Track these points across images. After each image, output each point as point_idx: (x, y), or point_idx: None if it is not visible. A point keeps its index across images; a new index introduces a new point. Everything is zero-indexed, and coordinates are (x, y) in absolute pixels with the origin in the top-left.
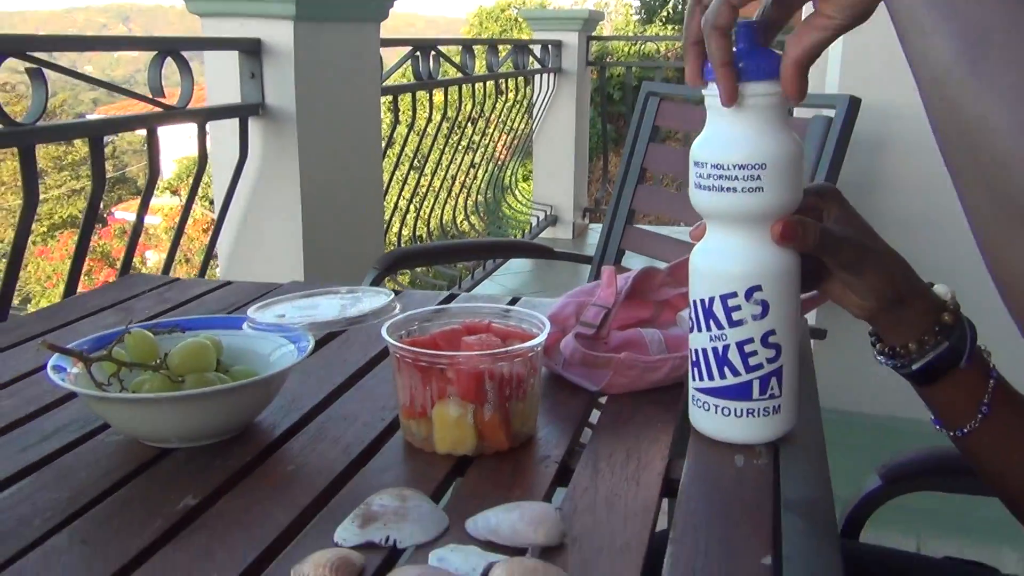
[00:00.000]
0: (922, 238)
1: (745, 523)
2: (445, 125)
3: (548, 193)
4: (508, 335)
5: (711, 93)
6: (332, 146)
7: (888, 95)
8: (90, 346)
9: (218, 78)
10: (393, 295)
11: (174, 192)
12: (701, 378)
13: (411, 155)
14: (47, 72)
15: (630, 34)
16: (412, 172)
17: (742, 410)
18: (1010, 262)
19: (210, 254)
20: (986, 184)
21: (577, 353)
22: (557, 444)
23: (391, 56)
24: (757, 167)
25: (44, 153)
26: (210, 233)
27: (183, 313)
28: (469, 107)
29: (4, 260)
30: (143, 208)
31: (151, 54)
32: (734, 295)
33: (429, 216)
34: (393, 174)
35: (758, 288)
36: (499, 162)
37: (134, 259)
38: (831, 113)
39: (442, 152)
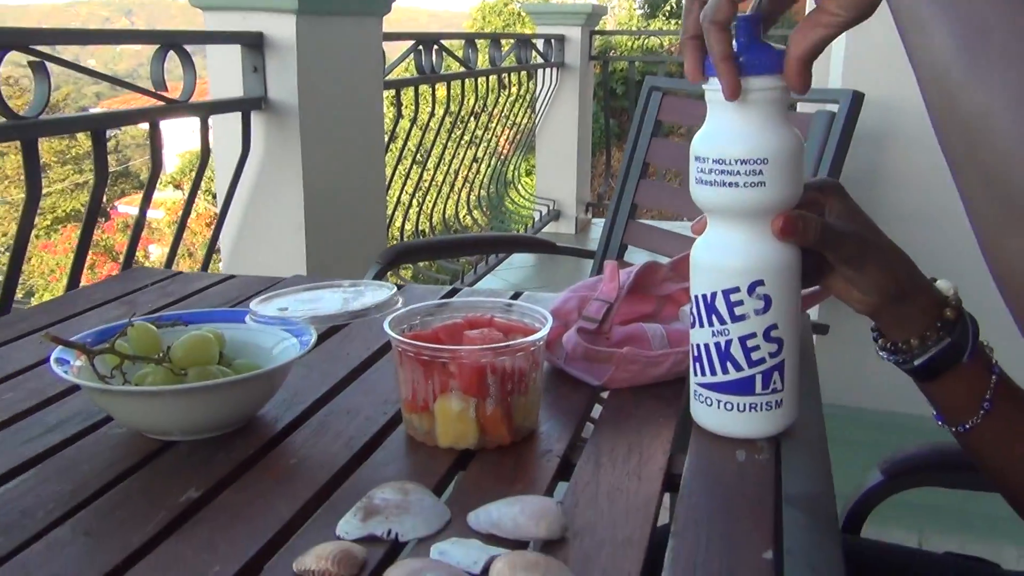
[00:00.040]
0: (925, 233)
1: (746, 518)
2: (448, 119)
3: (551, 188)
4: (510, 329)
5: (711, 88)
6: (335, 140)
7: (891, 90)
8: (93, 339)
9: (220, 72)
10: (395, 289)
11: (177, 186)
12: (703, 373)
13: (414, 149)
14: (50, 66)
15: (633, 29)
16: (415, 166)
17: (744, 405)
18: (1008, 258)
19: (213, 248)
20: (985, 180)
21: (579, 348)
22: (559, 438)
23: (394, 50)
24: (759, 161)
25: (47, 147)
26: (213, 227)
27: (186, 306)
28: (472, 101)
29: (7, 254)
30: (145, 202)
31: (154, 48)
32: (736, 290)
33: (432, 210)
34: (396, 168)
35: (760, 283)
36: (502, 157)
37: (137, 253)
38: (834, 108)
39: (445, 146)
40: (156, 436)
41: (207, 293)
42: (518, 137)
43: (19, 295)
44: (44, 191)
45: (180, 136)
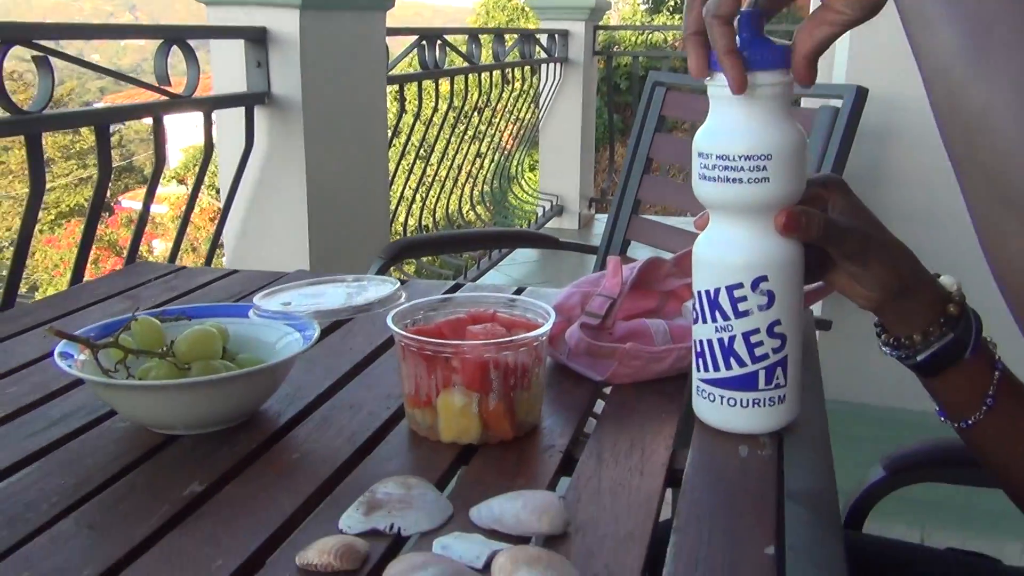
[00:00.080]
0: (928, 229)
1: (749, 513)
2: (451, 114)
3: (554, 183)
4: (513, 324)
5: (714, 84)
6: (338, 135)
7: (896, 86)
8: (97, 333)
9: (224, 67)
10: (399, 284)
11: (181, 181)
12: (706, 369)
13: (417, 144)
14: (54, 61)
15: (637, 23)
16: (418, 161)
17: (747, 400)
18: (1009, 256)
19: (216, 243)
20: (986, 175)
21: (582, 343)
22: (561, 434)
23: (397, 45)
24: (763, 157)
25: (52, 142)
26: (216, 222)
27: (189, 301)
28: (475, 96)
29: (11, 248)
30: (149, 197)
31: (157, 43)
32: (740, 286)
33: (435, 206)
34: (399, 163)
35: (764, 278)
36: (505, 152)
37: (141, 248)
38: (838, 103)
39: (448, 142)
40: (159, 430)
41: (210, 288)
42: (521, 132)
43: (23, 290)
44: (48, 186)
45: (184, 131)
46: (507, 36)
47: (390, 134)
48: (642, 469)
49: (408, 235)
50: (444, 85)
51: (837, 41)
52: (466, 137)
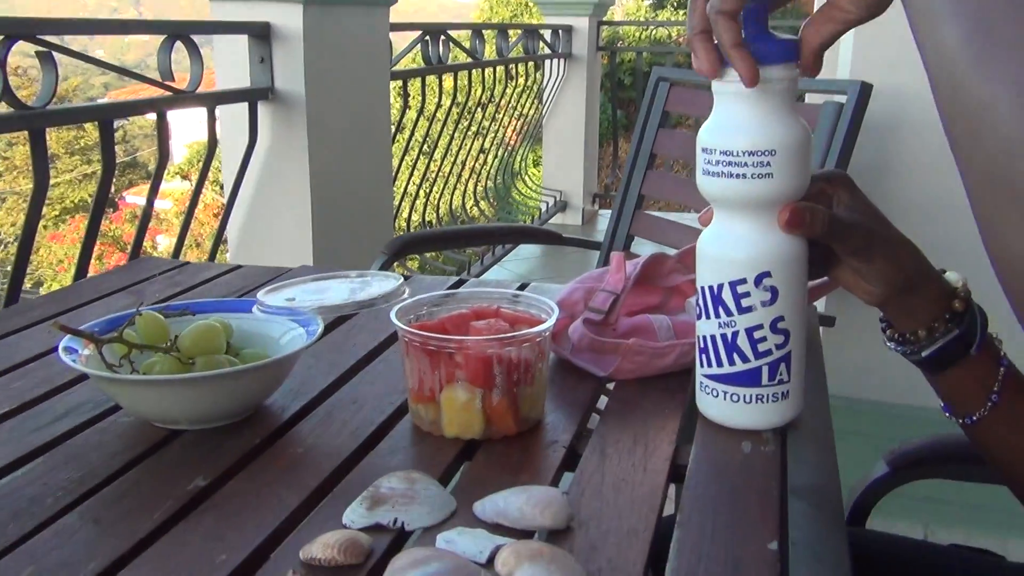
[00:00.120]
0: (933, 224)
1: (752, 509)
2: (455, 110)
3: (558, 179)
4: (516, 320)
5: (719, 79)
6: (341, 131)
7: (900, 80)
8: (101, 328)
9: (228, 62)
10: (402, 279)
11: (184, 177)
12: (709, 364)
13: (420, 140)
14: (58, 56)
15: (641, 19)
16: (421, 157)
17: (751, 396)
18: (1009, 247)
19: (220, 238)
20: (989, 169)
21: (585, 339)
22: (565, 429)
23: (401, 40)
24: (767, 153)
25: (56, 138)
26: (220, 218)
27: (193, 296)
28: (479, 92)
29: (16, 244)
30: (153, 192)
31: (161, 38)
32: (743, 281)
33: (438, 201)
34: (402, 159)
35: (767, 274)
36: (509, 148)
37: (145, 243)
38: (842, 99)
39: (451, 137)
40: (164, 425)
41: (214, 283)
42: (525, 128)
43: (27, 285)
44: (52, 181)
45: (188, 127)
46: (511, 32)
47: (393, 130)
48: (645, 465)
49: (412, 231)
50: (448, 81)
51: (841, 37)
52: (469, 133)
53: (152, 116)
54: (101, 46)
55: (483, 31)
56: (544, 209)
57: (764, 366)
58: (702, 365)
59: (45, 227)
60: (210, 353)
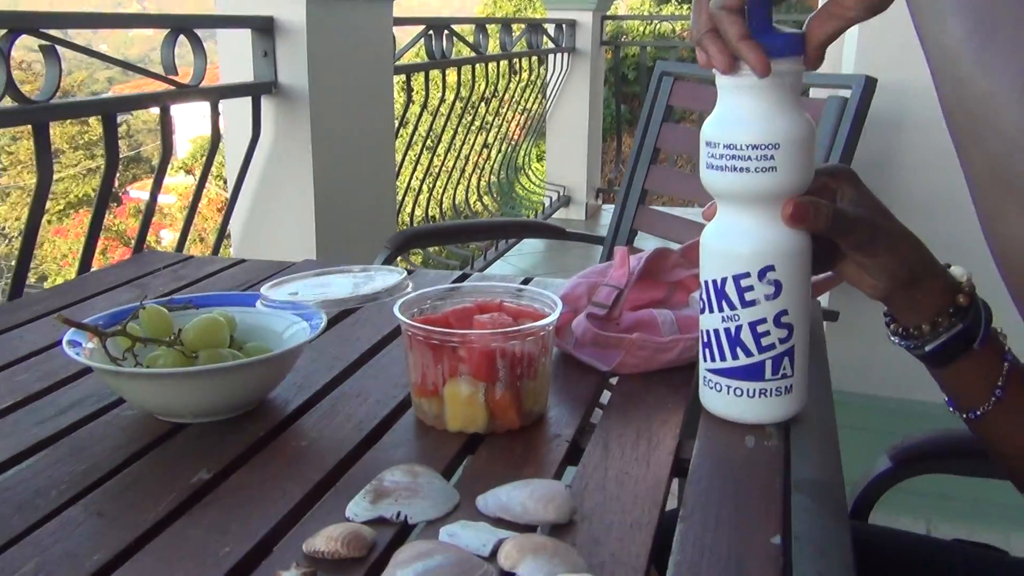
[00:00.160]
0: (938, 219)
1: (755, 503)
2: (458, 105)
3: (561, 174)
4: (520, 314)
5: (733, 74)
6: (345, 125)
7: (904, 75)
8: (105, 321)
9: (231, 56)
10: (405, 274)
11: (188, 171)
12: (712, 359)
13: (424, 135)
14: (61, 51)
15: (645, 13)
16: (425, 152)
17: (754, 390)
18: (1009, 238)
19: (223, 233)
20: (989, 161)
21: (589, 333)
22: (568, 423)
23: (404, 35)
24: (771, 147)
25: (60, 133)
26: (223, 212)
27: (197, 290)
28: (482, 87)
29: (20, 238)
30: (156, 187)
31: (164, 32)
32: (747, 275)
33: (442, 196)
34: (406, 154)
35: (771, 268)
36: (512, 142)
37: (149, 238)
38: (847, 93)
39: (455, 132)
40: (167, 418)
41: (218, 277)
42: (528, 123)
43: (32, 280)
44: (56, 176)
45: (192, 122)
46: (514, 26)
47: (397, 124)
48: (648, 459)
49: (415, 225)
50: (451, 75)
51: (846, 32)
52: (473, 127)
53: (156, 110)
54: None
55: (487, 25)
56: (547, 204)
57: (768, 360)
58: (705, 359)
59: (49, 222)
60: (214, 347)
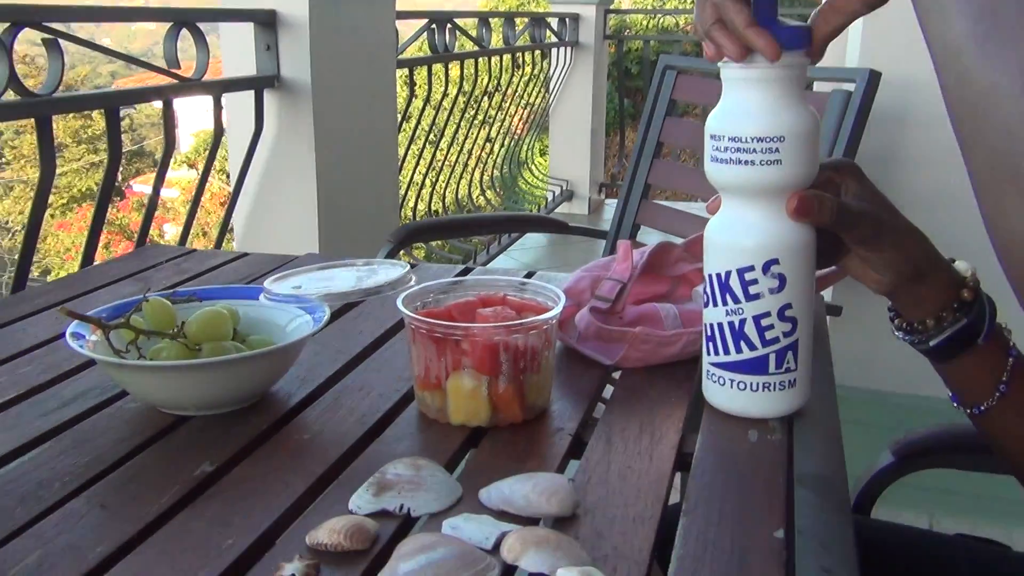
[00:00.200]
0: (942, 213)
1: (758, 497)
2: (461, 99)
3: (564, 168)
4: (523, 308)
5: (728, 66)
6: (348, 119)
7: (908, 69)
8: (109, 314)
9: (234, 50)
10: (408, 267)
11: (191, 165)
12: (716, 352)
13: (427, 129)
14: (65, 44)
15: (648, 7)
16: (428, 146)
17: (758, 384)
18: (1011, 230)
19: (226, 227)
20: (991, 153)
21: (592, 327)
22: (571, 417)
23: (407, 29)
24: (776, 140)
25: (63, 127)
26: (226, 206)
27: (200, 283)
28: (485, 81)
29: (23, 232)
30: (159, 181)
31: (167, 26)
32: (751, 268)
33: (445, 190)
34: (409, 148)
35: (775, 261)
36: (515, 136)
37: (152, 232)
38: (851, 87)
39: (458, 126)
40: (170, 411)
41: (221, 270)
42: (532, 117)
43: (35, 274)
44: (59, 170)
45: (195, 116)
46: (518, 20)
47: (400, 118)
48: (651, 453)
49: (418, 220)
50: (454, 69)
51: (851, 25)
52: (476, 122)
53: (158, 104)
54: (108, 34)
55: (490, 19)
56: (550, 198)
57: (771, 354)
58: (709, 353)
59: (52, 216)
60: (217, 339)
